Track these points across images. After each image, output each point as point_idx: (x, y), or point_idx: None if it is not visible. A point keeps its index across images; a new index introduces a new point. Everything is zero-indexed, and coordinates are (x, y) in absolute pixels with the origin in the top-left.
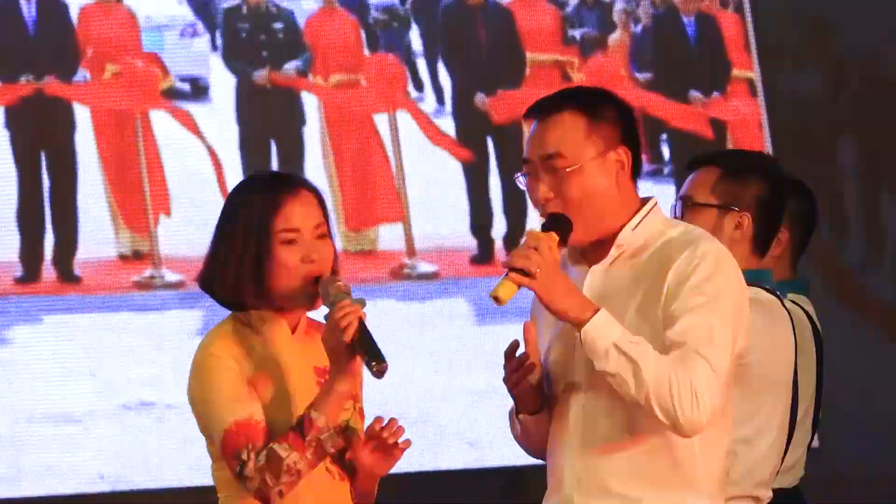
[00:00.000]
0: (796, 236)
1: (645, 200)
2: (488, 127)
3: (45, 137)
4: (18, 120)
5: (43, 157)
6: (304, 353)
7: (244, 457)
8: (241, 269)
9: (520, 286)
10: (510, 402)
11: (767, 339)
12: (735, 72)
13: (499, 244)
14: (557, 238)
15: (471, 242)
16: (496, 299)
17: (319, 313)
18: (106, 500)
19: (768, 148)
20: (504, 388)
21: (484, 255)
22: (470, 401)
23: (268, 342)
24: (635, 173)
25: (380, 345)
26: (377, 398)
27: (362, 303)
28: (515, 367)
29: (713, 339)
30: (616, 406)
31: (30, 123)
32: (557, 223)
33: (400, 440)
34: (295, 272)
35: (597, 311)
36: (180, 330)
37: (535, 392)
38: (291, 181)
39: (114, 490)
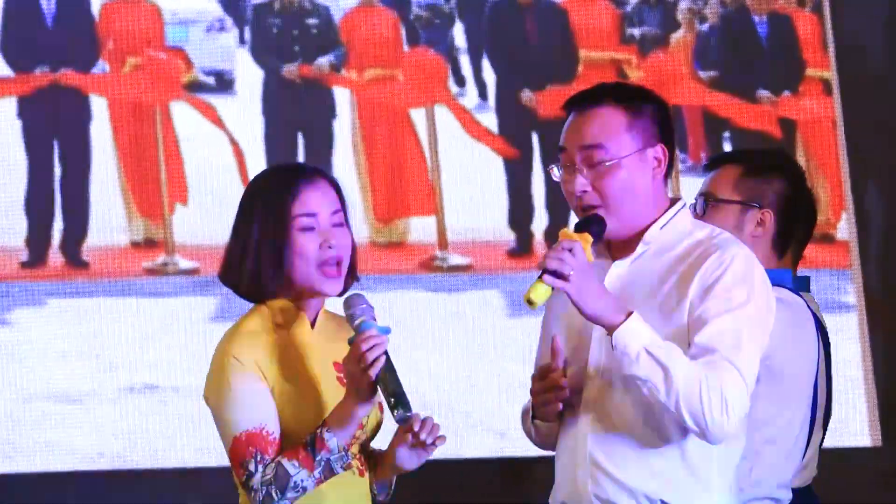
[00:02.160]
0: (800, 235)
1: (674, 201)
2: (534, 122)
3: (58, 127)
4: (32, 110)
5: (56, 146)
6: (325, 348)
7: (251, 468)
8: (260, 257)
9: (554, 288)
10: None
11: (792, 340)
12: (809, 71)
13: (538, 237)
14: (591, 239)
15: (508, 236)
16: (529, 302)
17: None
18: (104, 478)
19: (842, 147)
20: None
21: (522, 247)
22: (500, 392)
23: (289, 337)
24: (668, 173)
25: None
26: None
27: (387, 331)
28: (547, 388)
29: (742, 345)
30: (629, 408)
31: (43, 113)
32: (591, 223)
33: (436, 438)
34: (313, 258)
35: (629, 314)
36: (191, 316)
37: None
38: (308, 169)
39: (113, 468)
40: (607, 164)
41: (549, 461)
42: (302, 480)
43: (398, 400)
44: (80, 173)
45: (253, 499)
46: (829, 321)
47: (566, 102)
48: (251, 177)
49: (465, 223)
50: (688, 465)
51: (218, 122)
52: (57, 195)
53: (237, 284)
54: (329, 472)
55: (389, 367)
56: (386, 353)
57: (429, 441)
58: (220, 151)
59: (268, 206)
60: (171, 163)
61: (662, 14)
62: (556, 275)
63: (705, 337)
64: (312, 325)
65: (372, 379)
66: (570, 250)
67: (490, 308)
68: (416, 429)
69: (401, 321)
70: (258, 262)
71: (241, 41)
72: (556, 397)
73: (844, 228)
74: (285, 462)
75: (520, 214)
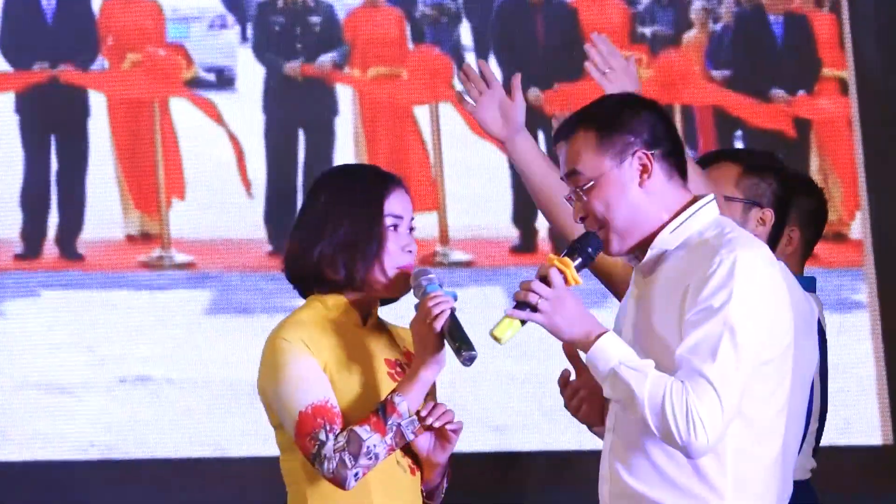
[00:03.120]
0: (807, 235)
1: (697, 199)
2: (540, 120)
3: (56, 122)
4: (30, 105)
5: (53, 141)
6: (376, 343)
7: (322, 437)
8: (356, 248)
9: (524, 322)
10: (538, 390)
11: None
12: (825, 70)
13: (542, 234)
14: (571, 262)
15: (511, 233)
16: (495, 339)
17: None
18: (94, 468)
19: (858, 146)
20: (533, 375)
21: (526, 244)
22: (499, 387)
23: (341, 330)
24: (683, 172)
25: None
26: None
27: (454, 296)
28: (570, 396)
29: (718, 355)
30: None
31: (41, 109)
32: (577, 246)
33: (448, 425)
34: (395, 259)
35: (600, 335)
36: (187, 309)
37: (597, 409)
38: (391, 174)
39: (104, 458)
40: (585, 187)
41: (547, 455)
42: (374, 446)
43: (462, 342)
44: (76, 168)
45: (326, 468)
46: (841, 320)
47: (552, 137)
48: (251, 172)
49: (468, 220)
50: (702, 478)
51: (217, 118)
52: (53, 189)
53: (306, 277)
54: (401, 438)
55: (455, 321)
56: (452, 311)
57: (435, 424)
58: (218, 147)
59: (361, 203)
60: (169, 158)
61: (675, 13)
62: (525, 307)
63: (684, 348)
64: (364, 322)
65: (437, 331)
66: (545, 277)
67: (491, 304)
68: (423, 413)
69: (401, 316)
70: (351, 251)
71: (244, 38)
72: (578, 403)
73: (858, 228)
74: (357, 428)
75: (524, 211)
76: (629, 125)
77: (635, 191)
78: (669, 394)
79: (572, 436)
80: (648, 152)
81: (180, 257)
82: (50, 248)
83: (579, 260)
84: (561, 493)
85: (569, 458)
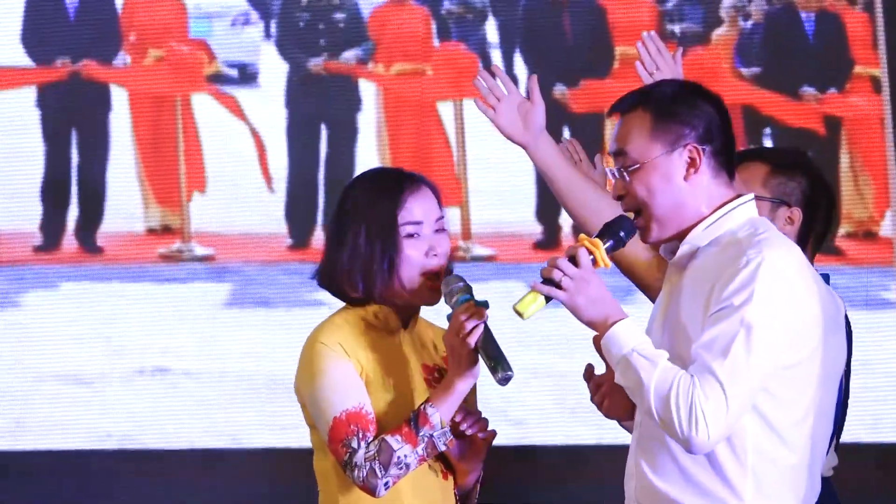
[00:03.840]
0: (819, 234)
1: (738, 198)
2: (565, 116)
3: (77, 117)
4: (51, 99)
5: (74, 135)
6: (414, 348)
7: (354, 445)
8: (371, 265)
9: (548, 299)
10: (559, 384)
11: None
12: (858, 69)
13: (566, 230)
14: (601, 244)
15: (534, 228)
16: (518, 313)
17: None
18: (111, 458)
19: (890, 144)
20: (554, 370)
21: (549, 240)
22: (519, 381)
23: (379, 335)
24: (730, 171)
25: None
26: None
27: (486, 305)
28: (593, 390)
29: (730, 352)
30: None
31: (62, 103)
32: (610, 228)
33: (481, 434)
34: (419, 266)
35: (617, 321)
36: (205, 301)
37: (622, 403)
38: (411, 177)
39: (120, 448)
40: (631, 168)
41: (566, 450)
42: (405, 456)
43: (497, 362)
44: (97, 162)
45: (356, 476)
46: (871, 318)
47: (609, 108)
48: (272, 167)
49: (491, 216)
50: (724, 480)
51: (239, 113)
52: (73, 182)
53: (339, 288)
54: (432, 449)
55: (489, 335)
56: (485, 323)
57: (468, 432)
58: (240, 142)
59: (375, 214)
60: (191, 152)
61: (704, 11)
62: (551, 283)
63: (699, 343)
64: (406, 326)
65: (471, 347)
66: (573, 257)
67: (513, 298)
68: (457, 419)
69: (422, 310)
70: (369, 269)
71: (267, 35)
72: (601, 397)
73: (889, 226)
74: (388, 438)
75: (548, 207)
76: (687, 117)
77: (680, 182)
78: (676, 386)
79: (592, 431)
80: (700, 147)
81: (200, 250)
82: (69, 241)
83: (610, 243)
84: (579, 488)
85: (588, 453)
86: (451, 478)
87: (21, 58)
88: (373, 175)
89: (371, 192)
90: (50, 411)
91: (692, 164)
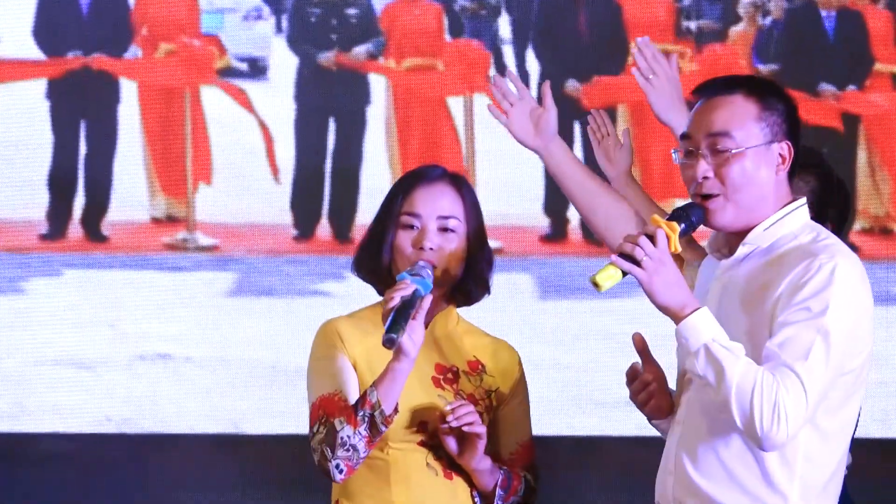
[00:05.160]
0: (832, 232)
1: (795, 201)
2: (577, 112)
3: (86, 108)
4: (61, 91)
5: (83, 126)
6: (428, 348)
7: (314, 430)
8: (366, 243)
9: (625, 273)
10: (563, 376)
11: None
12: (878, 66)
13: (574, 223)
14: (678, 228)
15: (542, 222)
16: (595, 284)
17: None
18: (110, 441)
19: None
20: (559, 362)
21: (557, 233)
22: (527, 374)
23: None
24: (792, 172)
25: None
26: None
27: (426, 287)
28: (638, 389)
29: (810, 355)
30: (717, 413)
31: (72, 95)
32: (685, 213)
33: (467, 428)
34: (407, 256)
35: (696, 309)
36: (209, 290)
37: (663, 403)
38: (434, 172)
39: (120, 432)
40: (733, 151)
41: (577, 440)
42: (349, 437)
43: (390, 324)
44: (104, 152)
45: (315, 461)
46: (884, 313)
47: (696, 88)
48: (279, 158)
49: (499, 209)
50: (769, 483)
51: (248, 105)
52: (80, 172)
53: (364, 274)
54: (374, 429)
55: (404, 306)
56: (411, 298)
57: (453, 424)
58: (248, 134)
59: (385, 200)
60: (198, 143)
61: (722, 8)
62: (629, 259)
63: (775, 343)
64: (426, 325)
65: (386, 314)
66: (651, 236)
67: (519, 291)
68: (446, 409)
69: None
70: (372, 256)
71: (279, 30)
72: (647, 396)
73: None
74: (334, 420)
75: (556, 201)
76: (784, 112)
77: (770, 176)
78: (760, 382)
79: (596, 422)
80: (790, 144)
81: (205, 240)
82: (75, 230)
83: (682, 227)
84: (583, 476)
85: (592, 443)
86: (458, 478)
87: (33, 51)
88: (412, 170)
89: (395, 184)
90: (50, 395)
91: (783, 160)
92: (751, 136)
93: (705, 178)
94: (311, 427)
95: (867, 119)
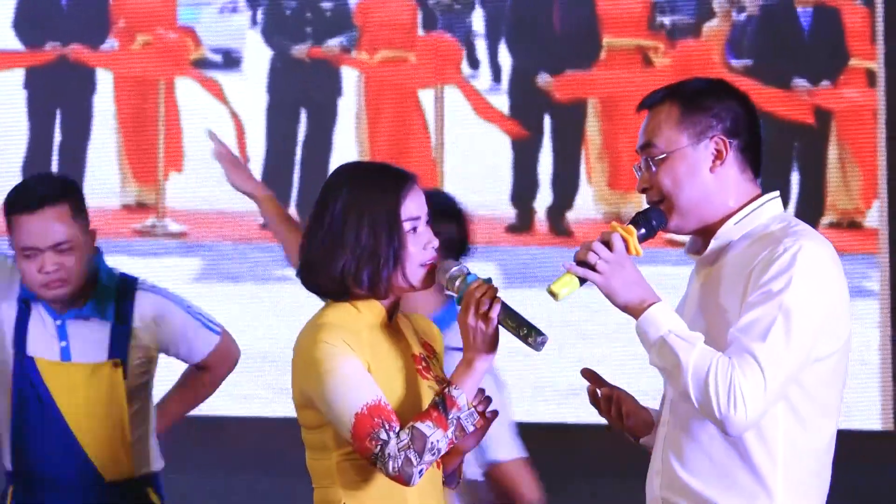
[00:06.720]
0: None
1: (765, 194)
2: (547, 105)
3: (62, 97)
4: (38, 81)
5: (58, 116)
6: (403, 340)
7: (384, 436)
8: (377, 259)
9: (583, 281)
10: (532, 364)
11: None
12: (853, 62)
13: (540, 215)
14: (635, 231)
15: (509, 213)
16: (552, 294)
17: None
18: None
19: (882, 136)
20: (520, 350)
21: (523, 224)
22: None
23: (373, 330)
24: (756, 168)
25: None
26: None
27: (490, 282)
28: (607, 407)
29: (769, 336)
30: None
31: (49, 85)
32: (643, 216)
33: (489, 413)
34: (417, 259)
35: (653, 304)
36: (176, 275)
37: (645, 417)
38: (405, 173)
39: None
40: (657, 159)
41: (537, 427)
42: (438, 441)
43: (529, 328)
44: (78, 141)
45: (390, 468)
46: (852, 306)
47: (638, 105)
48: (249, 148)
49: (465, 199)
50: (753, 472)
51: (221, 96)
52: (55, 160)
53: (327, 287)
54: (461, 431)
55: (507, 307)
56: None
57: (479, 408)
58: (220, 124)
59: (379, 210)
60: (170, 133)
61: (697, 3)
62: (584, 265)
63: (737, 327)
64: (390, 318)
65: (494, 322)
66: (607, 241)
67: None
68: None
69: None
70: (374, 263)
71: (254, 22)
72: (617, 408)
73: (875, 216)
74: (419, 425)
75: (523, 191)
76: (714, 109)
77: (705, 174)
78: (715, 366)
79: (555, 408)
80: (726, 140)
81: (174, 226)
82: None
83: (642, 231)
84: (540, 463)
85: (551, 429)
86: (441, 468)
87: (12, 42)
88: (365, 173)
89: (370, 191)
90: None
91: (718, 156)
92: (672, 140)
93: (646, 188)
94: (370, 435)
95: (839, 114)
